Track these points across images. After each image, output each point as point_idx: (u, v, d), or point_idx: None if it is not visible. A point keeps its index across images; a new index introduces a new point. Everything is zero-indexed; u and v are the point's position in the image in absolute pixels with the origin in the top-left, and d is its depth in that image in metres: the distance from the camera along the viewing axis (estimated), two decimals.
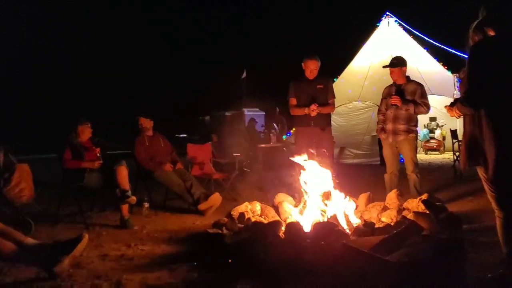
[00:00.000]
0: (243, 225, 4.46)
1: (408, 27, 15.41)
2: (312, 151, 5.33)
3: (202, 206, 5.95)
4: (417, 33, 15.47)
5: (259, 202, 5.16)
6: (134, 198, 5.45)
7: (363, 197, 5.19)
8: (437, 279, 2.90)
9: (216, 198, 6.04)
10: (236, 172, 7.46)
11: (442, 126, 15.93)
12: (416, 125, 5.76)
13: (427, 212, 4.24)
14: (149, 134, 6.60)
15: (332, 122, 6.62)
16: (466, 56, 3.06)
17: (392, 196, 4.99)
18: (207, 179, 7.37)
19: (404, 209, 4.71)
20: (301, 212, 4.73)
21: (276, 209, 5.07)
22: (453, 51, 15.51)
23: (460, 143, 4.89)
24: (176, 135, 21.94)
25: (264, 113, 20.54)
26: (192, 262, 3.84)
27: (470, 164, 3.12)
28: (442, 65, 15.05)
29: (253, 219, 4.60)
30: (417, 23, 15.89)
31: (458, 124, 12.02)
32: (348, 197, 4.80)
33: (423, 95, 5.66)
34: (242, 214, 4.73)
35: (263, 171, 9.02)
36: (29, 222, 5.10)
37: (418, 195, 5.24)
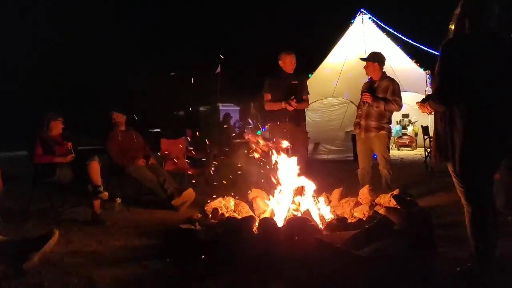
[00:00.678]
0: (216, 221, 4.45)
1: (382, 25, 15.60)
2: (286, 146, 5.35)
3: (175, 202, 5.91)
4: (391, 30, 15.68)
5: (233, 198, 5.16)
6: (106, 193, 5.37)
7: (336, 192, 5.24)
8: (408, 273, 2.95)
9: (189, 193, 6.00)
10: (210, 167, 7.42)
11: (414, 122, 16.20)
12: (388, 122, 5.77)
13: (398, 207, 4.30)
14: (122, 129, 6.51)
15: (306, 118, 6.66)
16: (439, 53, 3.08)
17: (364, 192, 5.05)
18: (181, 174, 7.32)
19: (376, 204, 4.77)
20: (274, 208, 4.74)
21: (250, 204, 5.07)
22: (425, 48, 15.79)
23: (431, 139, 4.96)
24: (150, 130, 21.71)
25: (239, 108, 20.52)
26: (165, 258, 3.82)
27: (441, 159, 3.17)
28: (415, 62, 15.27)
29: (226, 215, 4.60)
30: (390, 20, 16.09)
31: (430, 120, 12.20)
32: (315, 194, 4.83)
33: (395, 92, 5.65)
34: (215, 210, 4.72)
35: (238, 166, 9.01)
36: None
37: (389, 190, 5.31)
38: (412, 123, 16.36)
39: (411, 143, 16.19)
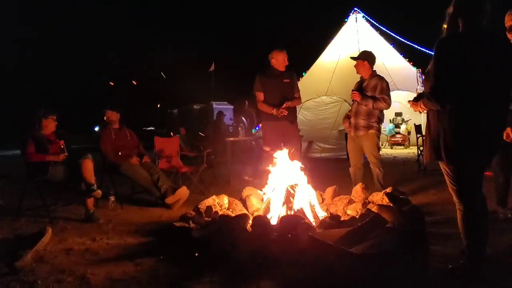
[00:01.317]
0: (210, 219, 4.45)
1: (375, 23, 15.62)
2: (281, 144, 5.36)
3: (169, 200, 5.91)
4: (384, 29, 15.71)
5: (227, 196, 5.16)
6: (99, 191, 5.36)
7: (330, 190, 5.27)
8: (400, 270, 2.97)
9: (183, 191, 6.00)
10: (204, 165, 7.42)
11: (407, 121, 16.24)
12: (377, 121, 5.75)
13: (391, 205, 4.33)
14: (116, 127, 6.50)
15: (300, 116, 6.70)
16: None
17: (357, 190, 5.08)
18: (175, 172, 7.32)
19: (369, 202, 4.80)
20: (268, 205, 4.75)
21: (244, 202, 5.08)
22: (418, 47, 15.84)
23: (424, 137, 4.99)
24: (144, 128, 21.65)
25: (232, 106, 20.49)
26: (159, 256, 3.82)
27: (433, 158, 3.19)
28: (408, 61, 15.31)
29: (220, 213, 4.60)
30: (384, 19, 16.12)
31: (422, 119, 12.25)
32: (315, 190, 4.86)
33: (383, 90, 5.65)
34: (209, 208, 4.72)
35: (231, 165, 9.02)
36: None
37: (381, 188, 5.35)
38: (405, 122, 16.40)
39: (404, 142, 16.23)
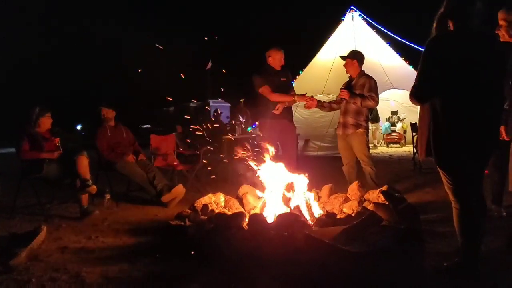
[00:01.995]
0: (206, 217, 4.45)
1: (372, 22, 15.63)
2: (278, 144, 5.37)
3: (165, 198, 5.89)
4: (380, 27, 15.72)
5: (223, 194, 5.16)
6: (94, 187, 5.35)
7: (326, 188, 5.27)
8: (395, 268, 2.97)
9: (179, 189, 5.99)
10: (200, 163, 7.40)
11: (403, 119, 16.28)
12: (365, 120, 5.83)
13: (387, 203, 4.34)
14: (111, 124, 6.47)
15: (296, 114, 6.69)
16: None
17: (353, 188, 5.10)
18: (171, 170, 7.29)
19: (365, 200, 4.81)
20: (264, 204, 4.75)
21: (240, 200, 5.08)
22: (415, 46, 15.85)
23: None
24: (140, 126, 21.60)
25: (229, 104, 20.50)
26: (154, 254, 3.81)
27: (425, 155, 3.20)
28: (404, 59, 15.33)
29: (216, 211, 4.59)
30: (380, 18, 16.13)
31: (418, 117, 12.28)
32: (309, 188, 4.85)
33: (371, 88, 5.69)
34: (205, 206, 4.71)
35: (227, 163, 9.00)
36: None
37: (376, 186, 5.37)
38: (401, 120, 16.44)
39: (400, 140, 16.28)
